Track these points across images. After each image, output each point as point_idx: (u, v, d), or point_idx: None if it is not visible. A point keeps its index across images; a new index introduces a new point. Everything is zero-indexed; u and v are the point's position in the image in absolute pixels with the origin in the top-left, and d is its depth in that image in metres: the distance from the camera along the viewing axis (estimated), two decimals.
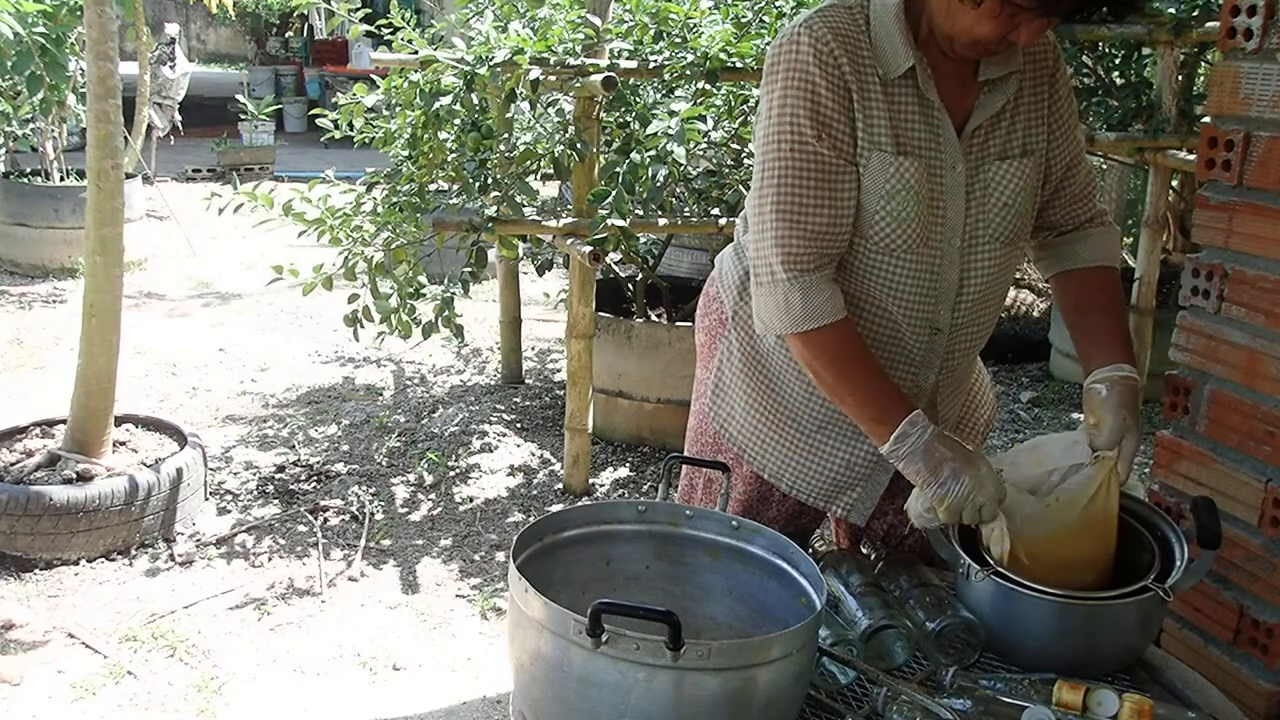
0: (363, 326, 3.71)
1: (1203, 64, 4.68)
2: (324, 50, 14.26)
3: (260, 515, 3.61)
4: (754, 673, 1.19)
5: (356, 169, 4.39)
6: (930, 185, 1.58)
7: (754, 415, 1.76)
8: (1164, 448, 1.77)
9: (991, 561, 1.49)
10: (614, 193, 3.33)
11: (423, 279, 3.72)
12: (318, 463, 4.03)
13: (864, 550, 1.90)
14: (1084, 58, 4.77)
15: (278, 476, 3.90)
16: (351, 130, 3.95)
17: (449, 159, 3.67)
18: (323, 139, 4.08)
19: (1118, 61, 4.82)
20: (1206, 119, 1.68)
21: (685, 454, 1.92)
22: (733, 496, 1.81)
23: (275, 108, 10.39)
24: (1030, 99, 1.65)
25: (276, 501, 3.72)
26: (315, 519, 3.60)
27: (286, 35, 15.92)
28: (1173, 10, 4.13)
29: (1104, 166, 6.31)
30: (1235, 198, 1.62)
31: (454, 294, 3.59)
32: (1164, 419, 1.78)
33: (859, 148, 1.56)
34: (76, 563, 3.21)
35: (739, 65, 3.50)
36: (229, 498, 3.72)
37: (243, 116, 10.04)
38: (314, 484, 3.86)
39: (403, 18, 3.65)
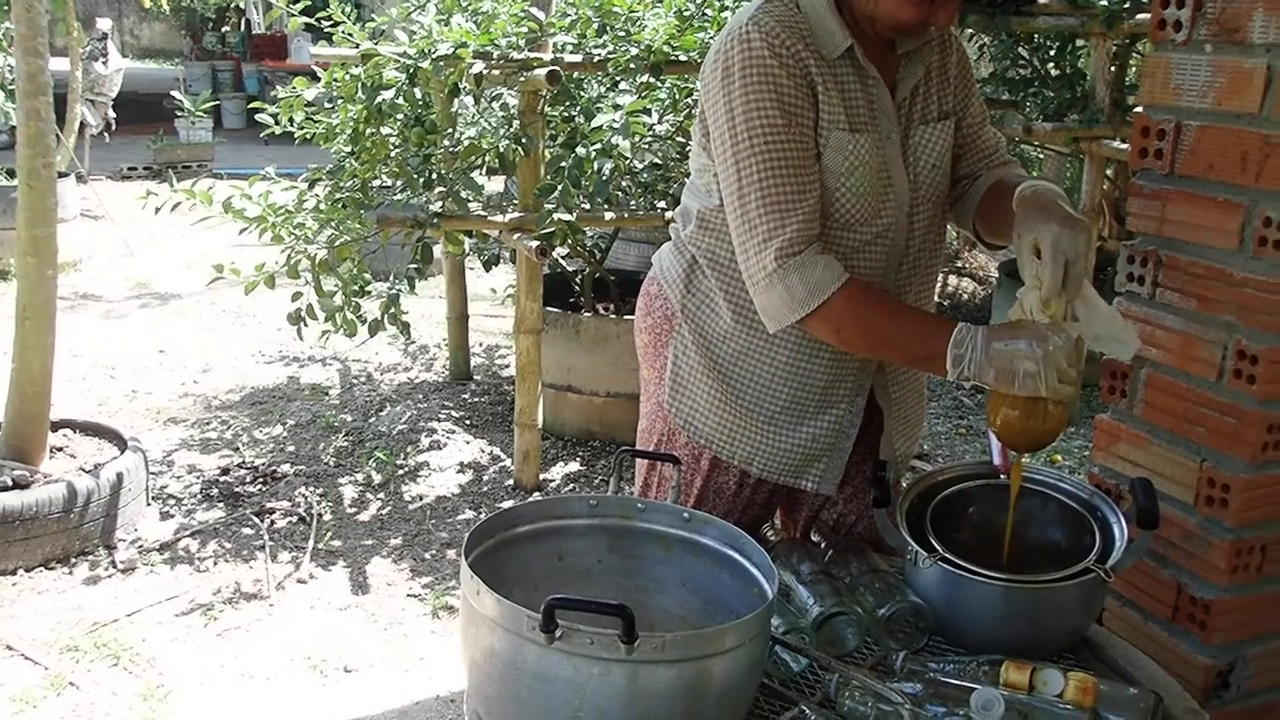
0: (307, 325, 3.67)
1: (1134, 55, 4.77)
2: (262, 45, 14.06)
3: (204, 519, 3.56)
4: (708, 663, 1.20)
5: (298, 165, 4.34)
6: (880, 157, 1.64)
7: (718, 405, 1.77)
8: (1103, 431, 1.81)
9: (939, 548, 1.52)
10: (560, 187, 3.33)
11: (367, 276, 3.68)
12: (263, 464, 3.98)
13: (814, 539, 1.92)
14: (1020, 50, 4.84)
15: (222, 479, 3.85)
16: (292, 126, 3.90)
17: (392, 154, 3.64)
18: (263, 135, 4.04)
19: (1053, 53, 4.90)
20: (1139, 109, 1.72)
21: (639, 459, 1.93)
22: (688, 493, 1.82)
23: (213, 104, 10.22)
24: (939, 65, 1.73)
25: (221, 505, 3.66)
26: (261, 521, 3.55)
27: (223, 30, 15.66)
28: (1105, 3, 4.21)
29: (1041, 156, 6.42)
30: (1168, 185, 1.66)
31: (400, 291, 3.56)
32: (1103, 402, 1.82)
33: (821, 128, 1.60)
34: (14, 572, 3.14)
35: (683, 58, 3.50)
36: (172, 502, 3.66)
37: (179, 113, 9.87)
38: (260, 486, 3.81)
39: (343, 11, 3.61)
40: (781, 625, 1.46)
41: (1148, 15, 1.92)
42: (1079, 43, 4.82)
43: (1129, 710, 1.31)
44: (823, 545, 1.83)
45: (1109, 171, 4.93)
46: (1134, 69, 4.79)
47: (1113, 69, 4.43)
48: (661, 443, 1.85)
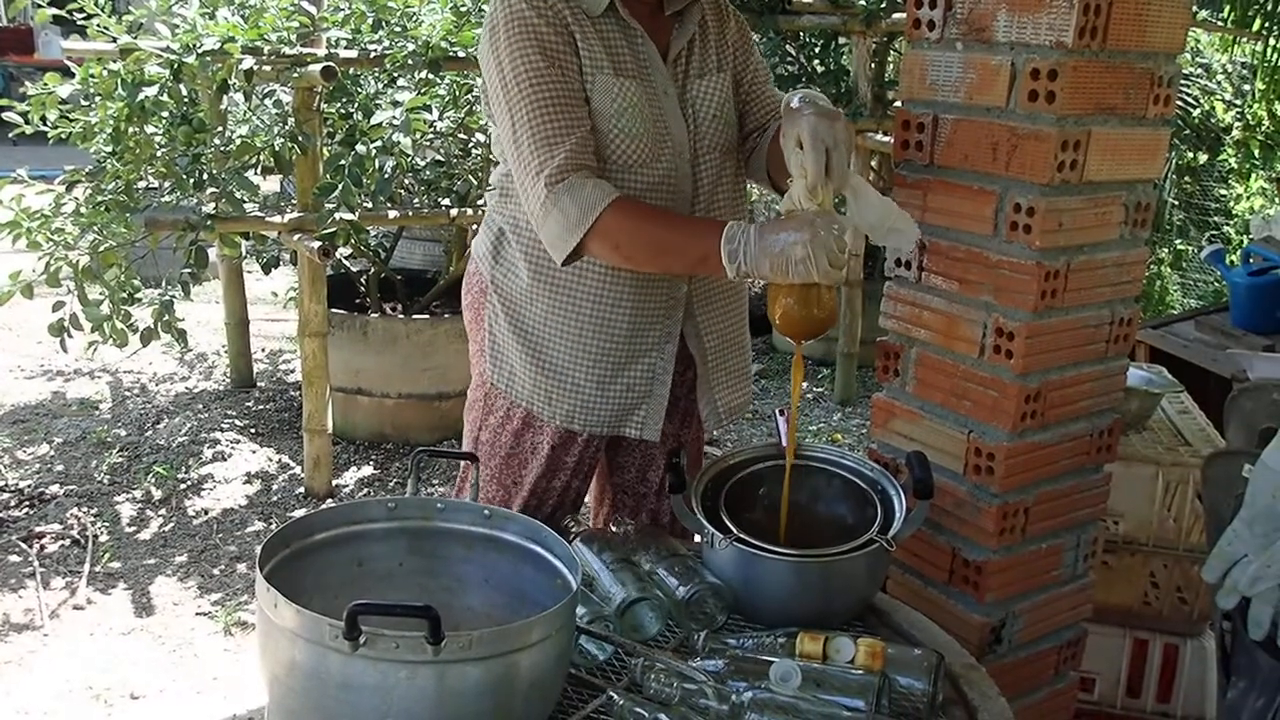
0: (71, 336, 3.43)
1: (893, 52, 5.05)
2: (5, 38, 12.97)
3: None
4: (516, 658, 1.20)
5: (53, 167, 4.03)
6: (652, 106, 1.72)
7: (532, 369, 1.81)
8: (879, 409, 1.92)
9: (734, 529, 1.57)
10: (341, 186, 3.24)
11: (137, 282, 3.48)
12: (28, 486, 3.70)
13: (613, 529, 1.96)
14: (787, 47, 5.04)
15: None
16: (45, 125, 3.63)
17: (158, 154, 3.45)
18: (11, 135, 3.73)
19: (817, 51, 5.12)
20: (899, 103, 1.83)
21: (466, 429, 1.95)
22: (519, 460, 1.87)
23: None
24: (716, 27, 1.84)
25: None
26: (30, 547, 3.31)
27: None
28: (864, 2, 4.44)
29: None
30: (928, 176, 1.77)
31: (173, 297, 3.39)
32: (878, 382, 1.92)
33: (585, 74, 1.68)
34: None
35: (461, 54, 3.47)
36: None
37: None
38: (26, 510, 3.55)
39: (96, 3, 3.39)
40: (586, 615, 1.48)
41: (904, 14, 2.03)
42: (841, 40, 5.06)
43: (914, 670, 1.40)
44: (622, 533, 1.87)
45: (874, 163, 5.20)
46: (893, 65, 5.07)
47: (873, 65, 4.68)
48: (486, 413, 1.89)
